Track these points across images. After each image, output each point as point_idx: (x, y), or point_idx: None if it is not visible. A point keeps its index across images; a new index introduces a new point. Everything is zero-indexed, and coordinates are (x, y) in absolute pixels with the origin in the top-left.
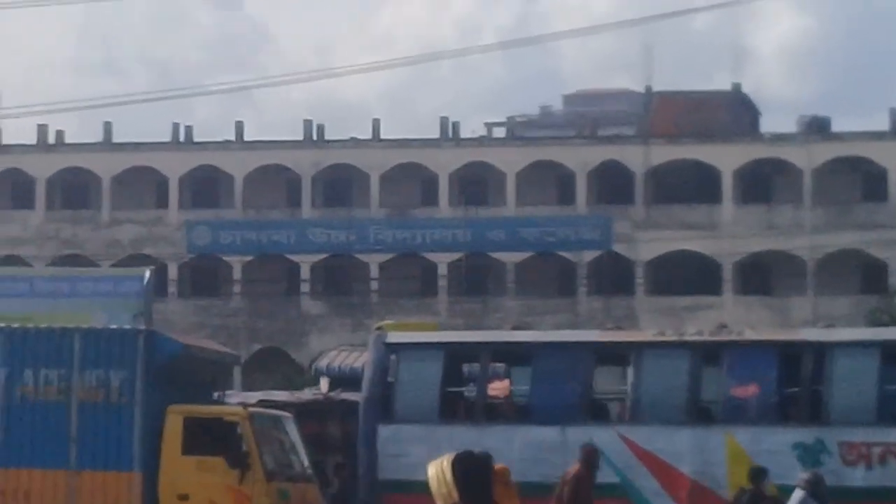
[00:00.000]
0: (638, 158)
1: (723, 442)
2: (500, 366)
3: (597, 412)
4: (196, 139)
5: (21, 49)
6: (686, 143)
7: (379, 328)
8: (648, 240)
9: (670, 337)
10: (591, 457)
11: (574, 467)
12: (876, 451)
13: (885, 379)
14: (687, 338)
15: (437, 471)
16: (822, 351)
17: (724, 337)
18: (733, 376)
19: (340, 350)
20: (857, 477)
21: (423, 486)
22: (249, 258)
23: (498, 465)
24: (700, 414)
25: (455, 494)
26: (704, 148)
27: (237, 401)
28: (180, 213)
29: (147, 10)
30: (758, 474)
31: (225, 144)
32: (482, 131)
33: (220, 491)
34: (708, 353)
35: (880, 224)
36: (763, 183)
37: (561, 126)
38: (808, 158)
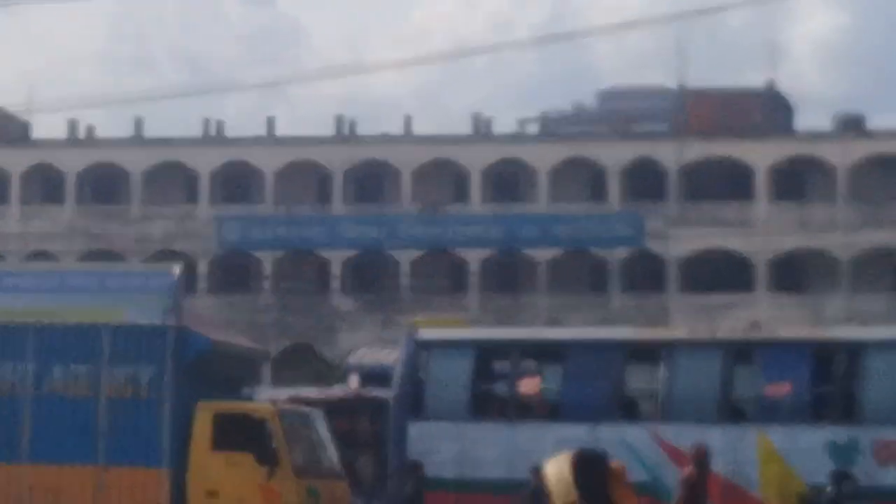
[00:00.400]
0: (671, 155)
1: (755, 441)
2: (532, 363)
3: (629, 410)
4: (227, 134)
5: (52, 44)
6: (719, 141)
7: (410, 325)
8: (681, 237)
9: (703, 335)
10: (701, 456)
11: (686, 469)
12: None
13: None
14: (719, 336)
15: (557, 469)
16: (855, 350)
17: (756, 335)
18: (766, 375)
19: (371, 347)
20: (891, 476)
21: (454, 484)
22: (280, 254)
23: (614, 463)
24: (732, 412)
25: (574, 493)
26: (738, 145)
27: (267, 397)
28: (210, 209)
29: (179, 5)
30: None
31: (256, 140)
32: (515, 128)
33: (249, 487)
34: (740, 352)
35: None
36: (797, 180)
37: (594, 122)
38: (842, 156)
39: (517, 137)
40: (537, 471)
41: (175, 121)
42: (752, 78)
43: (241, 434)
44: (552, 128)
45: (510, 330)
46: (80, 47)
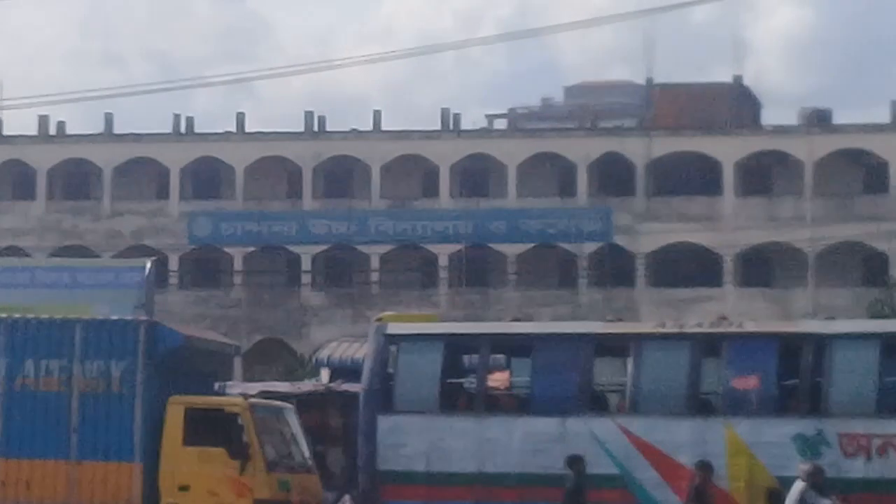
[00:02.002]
0: (639, 150)
1: (722, 433)
2: (500, 357)
3: (597, 403)
4: (197, 130)
5: (22, 40)
6: (687, 135)
7: (379, 320)
8: (649, 232)
9: (670, 329)
10: (707, 467)
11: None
12: (876, 443)
13: (885, 371)
14: (686, 329)
15: None
16: (821, 343)
17: (723, 329)
18: (733, 368)
19: (341, 341)
20: (857, 468)
21: (423, 477)
22: (250, 249)
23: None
24: (700, 405)
25: None
26: (705, 140)
27: (238, 392)
28: (181, 204)
29: (147, 2)
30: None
31: (226, 136)
32: (483, 123)
33: (220, 482)
34: (708, 345)
35: (881, 216)
36: (764, 175)
37: (562, 118)
38: (809, 150)
39: (486, 133)
40: (577, 461)
41: (145, 117)
42: (718, 73)
43: (212, 428)
44: (520, 123)
45: (478, 324)
46: (50, 44)
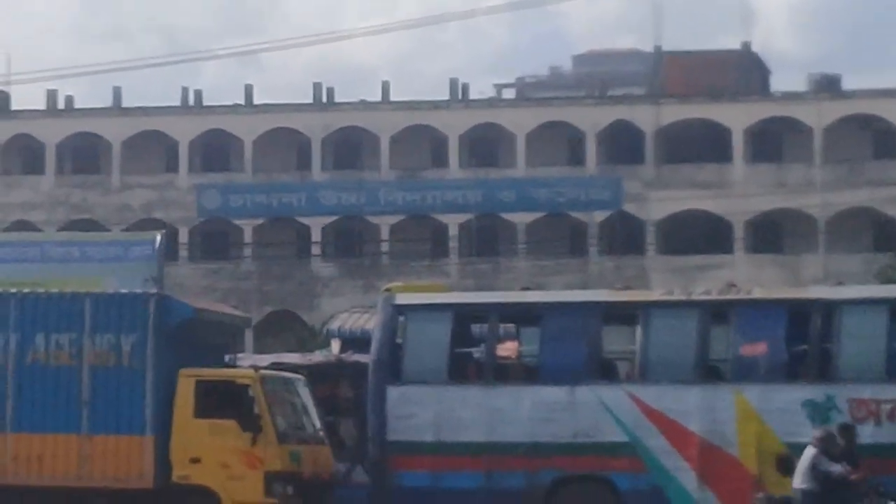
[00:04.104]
0: (648, 118)
1: (732, 400)
2: (510, 326)
3: (606, 372)
4: (205, 103)
5: (29, 15)
6: (696, 103)
7: (387, 290)
8: (659, 199)
9: (678, 296)
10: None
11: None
12: (885, 408)
13: (895, 336)
14: (695, 297)
15: None
16: (830, 309)
17: (732, 296)
18: (742, 335)
19: (352, 312)
20: (867, 434)
21: (431, 447)
22: (260, 221)
23: None
24: (709, 372)
25: None
26: (714, 107)
27: (249, 363)
28: (190, 177)
29: None
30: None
31: (234, 108)
32: (491, 93)
33: (232, 454)
34: (716, 312)
35: (891, 181)
36: (773, 141)
37: (570, 87)
38: (818, 116)
39: (494, 102)
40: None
41: (153, 91)
42: (726, 40)
43: (224, 401)
44: (529, 92)
45: (487, 294)
46: (57, 18)
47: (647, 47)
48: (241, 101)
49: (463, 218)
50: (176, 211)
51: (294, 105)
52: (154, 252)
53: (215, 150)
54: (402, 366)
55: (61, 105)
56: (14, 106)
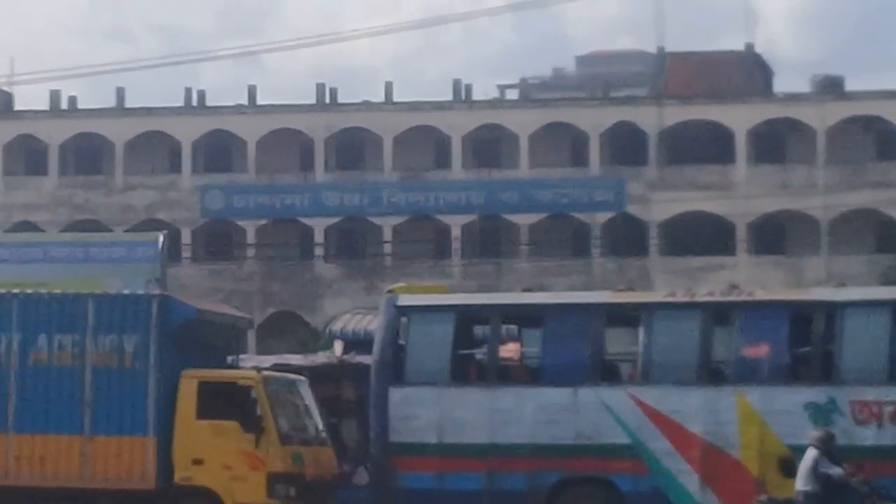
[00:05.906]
0: (651, 119)
1: (734, 402)
2: (512, 328)
3: (608, 373)
4: (208, 104)
5: (31, 15)
6: (699, 104)
7: (389, 291)
8: (662, 201)
9: (681, 298)
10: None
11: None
12: (887, 410)
13: None
14: (697, 298)
15: None
16: (833, 311)
17: (734, 297)
18: (744, 336)
19: (354, 313)
20: (869, 436)
21: (434, 448)
22: (263, 222)
23: None
24: (711, 374)
25: None
26: (717, 108)
27: (251, 365)
28: (193, 178)
29: None
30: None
31: (237, 108)
32: (495, 94)
33: (234, 455)
34: (719, 314)
35: (894, 183)
36: (776, 143)
37: (574, 87)
38: (821, 118)
39: (497, 103)
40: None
41: (156, 91)
42: (730, 41)
43: (226, 402)
44: (532, 93)
45: (489, 295)
46: (59, 19)
47: (651, 48)
48: (245, 102)
49: (466, 219)
50: (179, 212)
51: (297, 106)
52: (157, 253)
53: (218, 151)
54: (405, 367)
55: (64, 106)
56: (17, 106)
